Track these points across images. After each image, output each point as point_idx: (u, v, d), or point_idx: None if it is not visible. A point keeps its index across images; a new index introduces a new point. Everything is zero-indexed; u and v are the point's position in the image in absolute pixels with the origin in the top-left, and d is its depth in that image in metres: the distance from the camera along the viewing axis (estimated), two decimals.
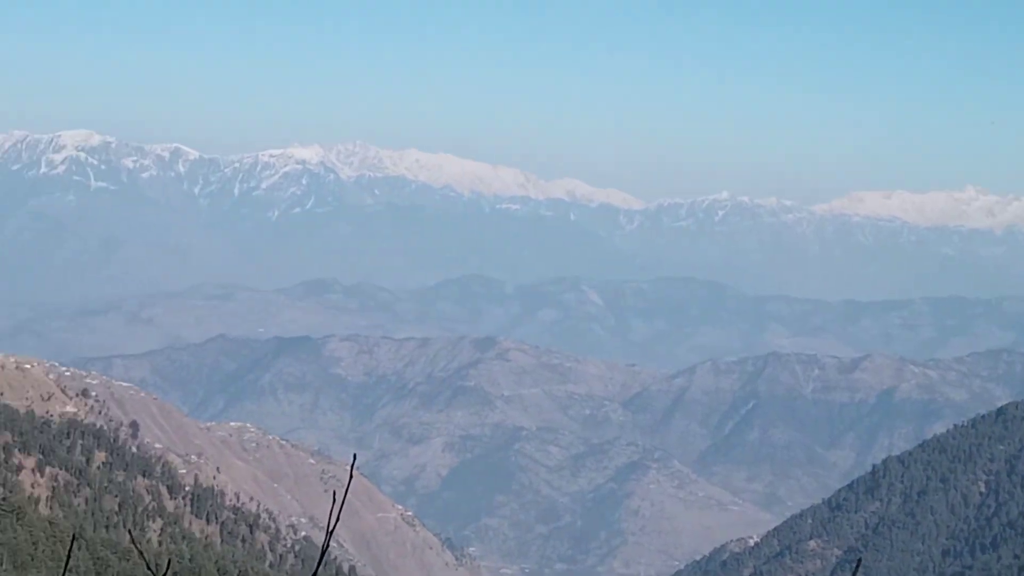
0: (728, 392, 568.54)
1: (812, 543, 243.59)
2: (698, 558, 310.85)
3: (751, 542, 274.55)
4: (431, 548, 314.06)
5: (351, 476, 17.56)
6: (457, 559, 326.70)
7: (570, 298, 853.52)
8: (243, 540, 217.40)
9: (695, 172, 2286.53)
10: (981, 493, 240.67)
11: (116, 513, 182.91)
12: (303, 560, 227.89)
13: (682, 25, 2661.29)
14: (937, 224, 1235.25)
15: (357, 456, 17.88)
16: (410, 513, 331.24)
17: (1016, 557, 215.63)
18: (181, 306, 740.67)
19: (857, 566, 17.73)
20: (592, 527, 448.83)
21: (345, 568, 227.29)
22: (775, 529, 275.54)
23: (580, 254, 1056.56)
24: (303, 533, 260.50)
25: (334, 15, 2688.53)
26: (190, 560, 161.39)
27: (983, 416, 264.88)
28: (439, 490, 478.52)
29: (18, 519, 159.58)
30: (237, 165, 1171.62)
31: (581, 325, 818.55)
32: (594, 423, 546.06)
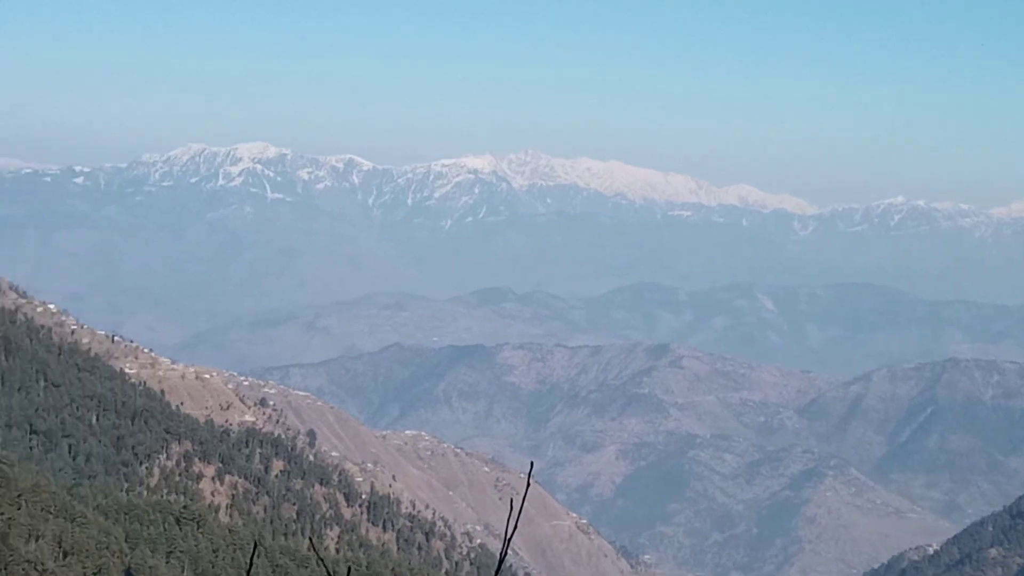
0: (905, 399, 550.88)
1: (993, 551, 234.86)
2: (876, 566, 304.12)
3: (930, 550, 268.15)
4: (606, 556, 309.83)
5: (528, 484, 18.97)
6: (632, 567, 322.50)
7: (743, 304, 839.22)
8: (419, 548, 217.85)
9: (868, 177, 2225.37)
10: None
11: (294, 521, 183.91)
12: (478, 567, 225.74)
13: (852, 31, 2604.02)
14: None
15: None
16: (584, 521, 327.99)
17: None
18: (356, 315, 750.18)
19: None
20: (768, 535, 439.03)
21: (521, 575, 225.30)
22: (955, 537, 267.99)
23: (753, 260, 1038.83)
24: (478, 540, 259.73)
25: (507, 25, 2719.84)
26: (367, 567, 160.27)
27: None
28: (613, 497, 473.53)
29: (199, 527, 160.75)
30: (410, 175, 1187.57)
31: (755, 332, 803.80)
32: (768, 430, 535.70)
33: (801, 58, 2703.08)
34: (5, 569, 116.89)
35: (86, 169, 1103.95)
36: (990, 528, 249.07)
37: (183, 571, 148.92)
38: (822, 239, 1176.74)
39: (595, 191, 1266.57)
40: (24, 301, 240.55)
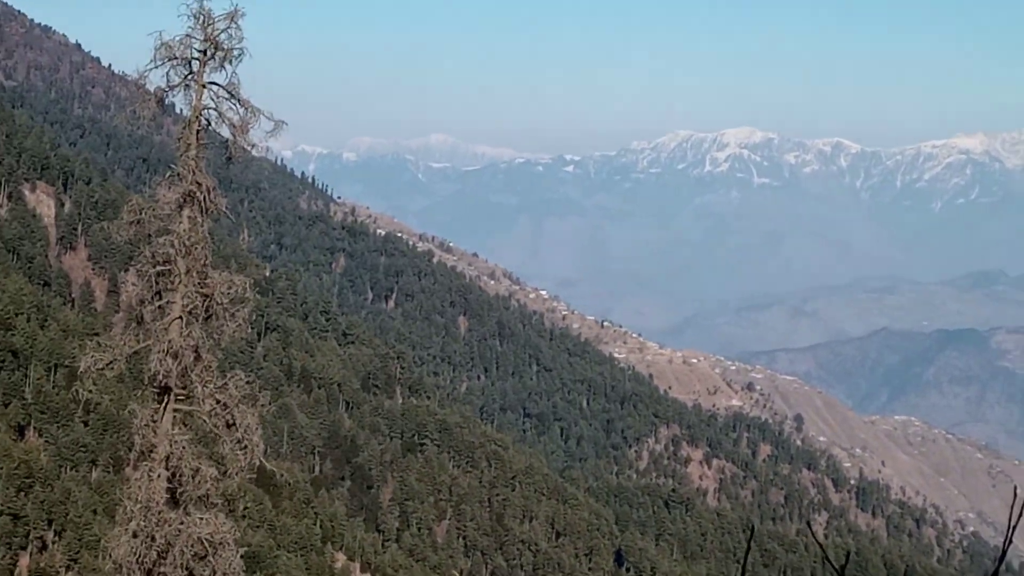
0: None
1: None
2: None
3: None
4: None
5: None
6: None
7: None
8: (909, 535, 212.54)
9: None
10: None
11: (782, 506, 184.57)
12: (971, 556, 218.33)
13: None
14: None
15: None
16: None
17: None
18: (843, 299, 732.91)
19: None
20: None
21: (1016, 565, 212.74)
22: None
23: None
24: (971, 528, 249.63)
25: None
26: (857, 553, 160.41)
27: None
28: None
29: (687, 510, 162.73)
30: (899, 157, 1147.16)
31: None
32: None
33: None
34: (500, 549, 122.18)
35: (576, 157, 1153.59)
36: None
37: (672, 553, 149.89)
38: None
39: None
40: (517, 288, 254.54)
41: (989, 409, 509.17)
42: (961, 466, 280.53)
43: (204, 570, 21.90)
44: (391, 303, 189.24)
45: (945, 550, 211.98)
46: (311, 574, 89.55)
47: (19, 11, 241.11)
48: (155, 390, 22.15)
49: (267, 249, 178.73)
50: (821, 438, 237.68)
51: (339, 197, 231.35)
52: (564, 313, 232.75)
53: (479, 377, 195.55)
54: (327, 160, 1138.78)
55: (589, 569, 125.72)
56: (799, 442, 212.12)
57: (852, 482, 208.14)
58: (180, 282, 21.81)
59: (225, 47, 20.46)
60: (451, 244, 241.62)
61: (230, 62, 20.44)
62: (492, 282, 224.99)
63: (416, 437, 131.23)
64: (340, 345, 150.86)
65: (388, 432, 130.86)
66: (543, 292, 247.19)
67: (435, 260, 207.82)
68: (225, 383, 22.09)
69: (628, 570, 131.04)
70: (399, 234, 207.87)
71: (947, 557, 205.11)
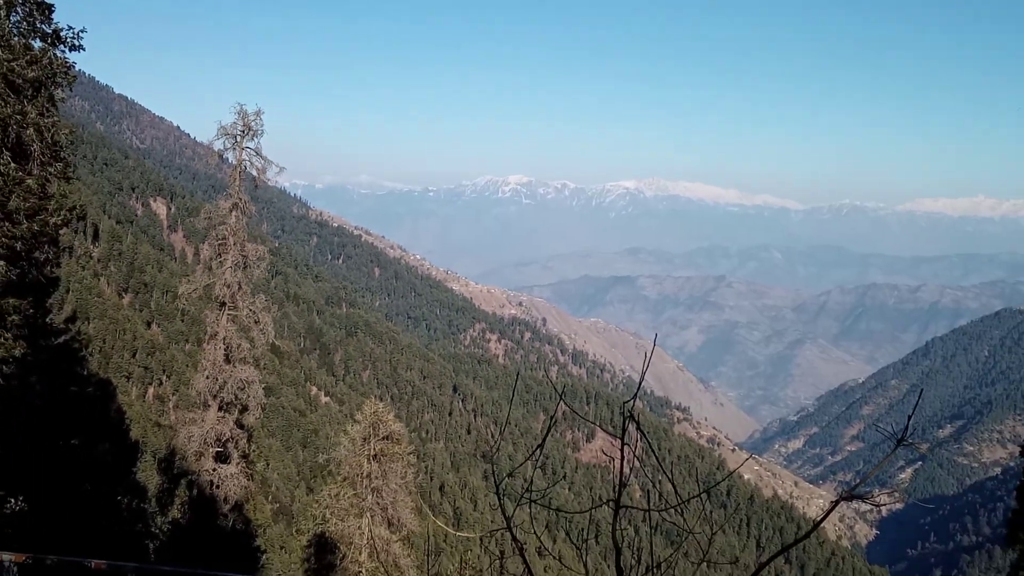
0: None
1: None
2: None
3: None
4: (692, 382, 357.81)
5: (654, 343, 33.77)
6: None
7: None
8: (597, 377, 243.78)
9: None
10: None
11: (536, 364, 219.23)
12: (626, 385, 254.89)
13: None
14: None
15: None
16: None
17: None
18: (570, 261, 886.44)
19: None
20: None
21: (650, 392, 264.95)
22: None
23: None
24: (627, 375, 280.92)
25: None
26: (570, 386, 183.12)
27: None
28: None
29: (488, 365, 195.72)
30: (596, 188, 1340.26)
31: None
32: None
33: None
34: (395, 386, 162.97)
35: (433, 188, 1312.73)
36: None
37: (481, 386, 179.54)
38: None
39: None
40: (405, 254, 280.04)
41: (638, 315, 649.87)
42: (623, 343, 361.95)
43: (243, 395, 30.21)
44: (340, 261, 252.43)
45: (614, 385, 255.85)
46: (298, 396, 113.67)
47: (145, 107, 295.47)
48: (218, 303, 29.59)
49: (276, 233, 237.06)
50: (555, 329, 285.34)
51: (312, 206, 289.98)
52: (428, 267, 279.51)
53: (385, 298, 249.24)
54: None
55: (439, 395, 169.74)
56: (544, 331, 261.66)
57: (570, 351, 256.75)
58: (230, 249, 28.91)
59: (253, 128, 28.27)
60: (371, 231, 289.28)
61: (255, 136, 28.38)
62: (392, 251, 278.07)
63: (353, 328, 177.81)
64: (315, 282, 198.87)
65: (339, 326, 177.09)
66: (418, 255, 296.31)
67: (363, 240, 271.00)
68: (254, 300, 29.71)
69: (460, 395, 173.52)
70: (344, 227, 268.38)
71: (615, 388, 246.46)
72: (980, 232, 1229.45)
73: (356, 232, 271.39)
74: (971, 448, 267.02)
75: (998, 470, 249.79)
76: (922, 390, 43.83)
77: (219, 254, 30.58)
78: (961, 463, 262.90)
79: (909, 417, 12.18)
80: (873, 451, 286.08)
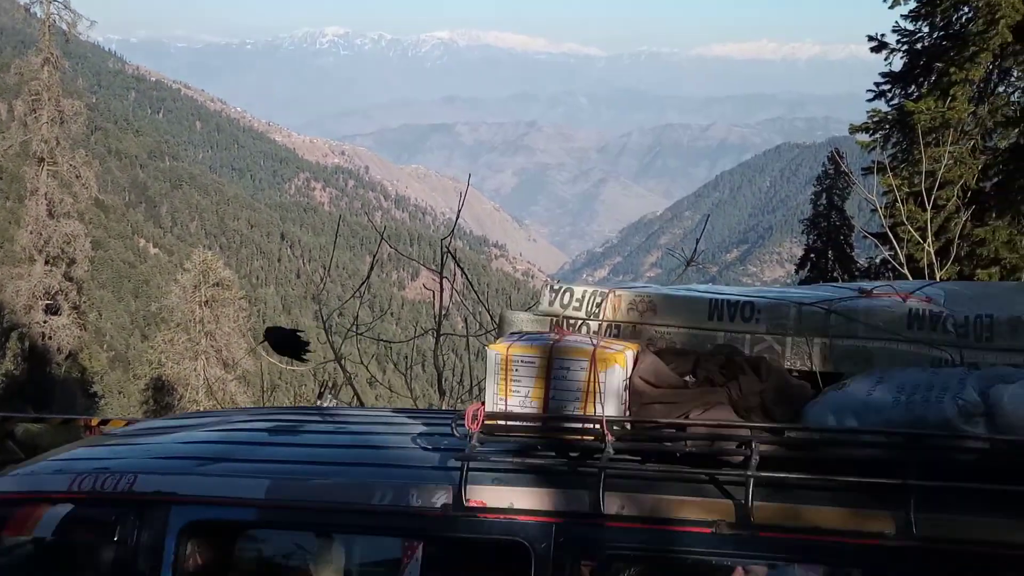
0: None
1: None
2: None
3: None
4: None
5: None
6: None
7: None
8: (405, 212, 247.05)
9: None
10: None
11: (360, 207, 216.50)
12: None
13: None
14: None
15: None
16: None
17: None
18: (384, 110, 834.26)
19: None
20: None
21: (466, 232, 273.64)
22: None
23: None
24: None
25: None
26: (390, 225, 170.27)
27: None
28: None
29: (315, 212, 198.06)
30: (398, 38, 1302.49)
31: None
32: None
33: None
34: (223, 235, 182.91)
35: (250, 40, 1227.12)
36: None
37: (305, 228, 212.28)
38: None
39: None
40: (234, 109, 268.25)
41: (456, 160, 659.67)
42: (443, 187, 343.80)
43: (70, 249, 29.56)
44: (160, 115, 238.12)
45: (436, 227, 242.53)
46: (127, 249, 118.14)
47: None
48: (36, 159, 28.95)
49: (92, 88, 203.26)
50: (378, 176, 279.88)
51: (129, 61, 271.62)
52: (250, 119, 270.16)
53: (208, 151, 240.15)
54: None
55: (268, 242, 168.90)
56: (367, 178, 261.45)
57: (393, 197, 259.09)
58: (44, 104, 27.43)
59: None
60: (190, 85, 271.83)
61: None
62: (212, 104, 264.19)
63: (178, 181, 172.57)
64: (136, 136, 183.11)
65: (163, 179, 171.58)
66: (239, 108, 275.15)
67: (182, 93, 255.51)
68: (74, 155, 28.77)
69: (287, 242, 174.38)
70: (163, 81, 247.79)
71: (436, 230, 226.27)
72: (764, 74, 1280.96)
73: (175, 86, 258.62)
74: (754, 268, 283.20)
75: (777, 286, 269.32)
76: (708, 215, 46.07)
77: (33, 110, 30.80)
78: (746, 281, 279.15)
79: (697, 241, 12.74)
80: (669, 275, 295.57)
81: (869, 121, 19.87)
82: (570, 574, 3.15)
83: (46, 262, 31.04)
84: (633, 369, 3.44)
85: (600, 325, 3.87)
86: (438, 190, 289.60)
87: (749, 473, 2.99)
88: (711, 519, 3.01)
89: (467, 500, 3.24)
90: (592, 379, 3.32)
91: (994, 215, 18.15)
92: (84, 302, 35.03)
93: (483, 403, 3.44)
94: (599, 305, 3.91)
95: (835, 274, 32.49)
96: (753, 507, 2.96)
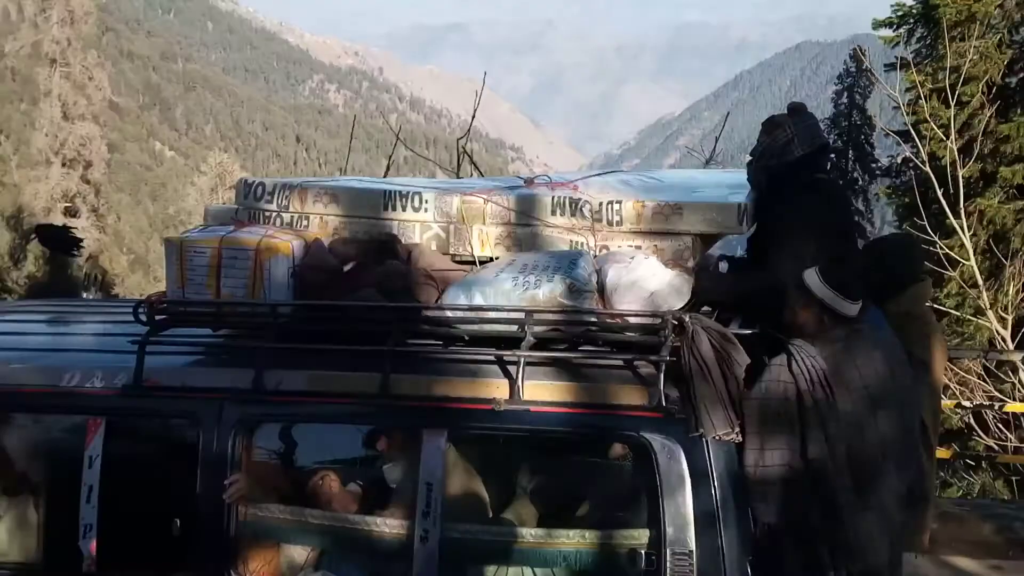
0: None
1: None
2: None
3: None
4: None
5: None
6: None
7: None
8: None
9: None
10: None
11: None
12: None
13: None
14: None
15: None
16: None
17: None
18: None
19: None
20: None
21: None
22: None
23: None
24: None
25: None
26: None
27: None
28: None
29: (329, 115, 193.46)
30: None
31: None
32: None
33: None
34: (241, 136, 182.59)
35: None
36: None
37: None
38: None
39: None
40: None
41: (471, 60, 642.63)
42: (459, 88, 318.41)
43: (86, 151, 28.67)
44: (172, 16, 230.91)
45: (451, 129, 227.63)
46: (143, 152, 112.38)
47: None
48: (48, 60, 28.60)
49: None
50: (392, 78, 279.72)
51: None
52: (262, 19, 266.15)
53: (221, 52, 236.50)
54: None
55: (283, 145, 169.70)
56: (382, 79, 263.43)
57: (408, 98, 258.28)
58: (54, 3, 26.60)
59: None
60: None
61: None
62: (224, 3, 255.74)
63: (192, 83, 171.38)
64: (148, 38, 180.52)
65: (177, 81, 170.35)
66: (251, 8, 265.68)
67: None
68: (86, 57, 28.39)
69: (303, 144, 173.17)
70: None
71: (452, 132, 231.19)
72: None
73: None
74: None
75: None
76: (728, 113, 45.21)
77: (43, 9, 30.21)
78: None
79: (716, 139, 12.56)
80: None
81: (893, 15, 19.47)
82: (233, 447, 3.65)
83: (63, 164, 31.05)
84: (303, 257, 3.92)
85: (292, 217, 4.21)
86: (453, 91, 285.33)
87: (386, 348, 3.55)
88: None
89: (144, 380, 3.69)
90: (257, 267, 3.78)
91: (1019, 111, 17.88)
92: (102, 205, 35.14)
93: (164, 292, 3.98)
94: (287, 198, 4.21)
95: (855, 174, 32.24)
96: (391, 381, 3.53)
